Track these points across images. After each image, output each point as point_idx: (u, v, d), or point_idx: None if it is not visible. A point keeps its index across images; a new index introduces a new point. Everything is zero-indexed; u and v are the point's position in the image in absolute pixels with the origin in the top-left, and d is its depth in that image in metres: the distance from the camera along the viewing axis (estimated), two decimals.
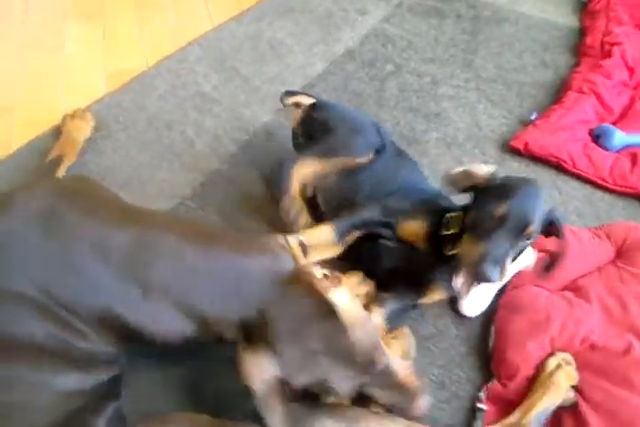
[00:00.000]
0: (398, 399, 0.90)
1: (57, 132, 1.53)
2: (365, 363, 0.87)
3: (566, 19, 2.36)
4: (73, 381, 0.84)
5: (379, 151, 1.37)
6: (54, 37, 1.95)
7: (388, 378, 0.89)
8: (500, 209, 1.06)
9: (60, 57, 1.87)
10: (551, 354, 1.14)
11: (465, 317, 1.26)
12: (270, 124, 1.67)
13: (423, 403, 0.91)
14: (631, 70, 1.93)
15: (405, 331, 1.14)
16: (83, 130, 1.48)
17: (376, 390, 0.89)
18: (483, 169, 1.15)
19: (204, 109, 1.72)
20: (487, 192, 1.12)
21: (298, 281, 0.90)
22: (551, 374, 1.10)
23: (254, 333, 0.88)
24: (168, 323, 0.88)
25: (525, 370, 1.13)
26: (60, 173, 1.31)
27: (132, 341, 0.90)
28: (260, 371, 0.85)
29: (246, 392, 0.87)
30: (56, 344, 0.81)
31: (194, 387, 1.09)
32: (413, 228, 1.20)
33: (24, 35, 1.94)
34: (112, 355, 0.90)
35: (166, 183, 1.47)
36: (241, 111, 1.72)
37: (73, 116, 1.53)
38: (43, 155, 1.44)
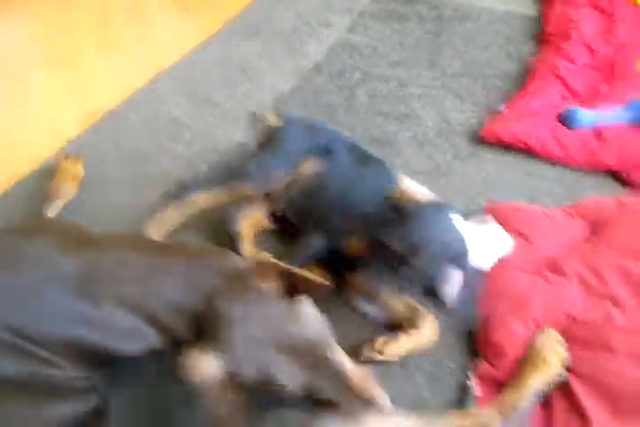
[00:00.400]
0: (352, 405, 0.86)
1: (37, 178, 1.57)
2: (312, 359, 0.86)
3: (527, 9, 2.40)
4: (60, 410, 0.86)
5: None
6: (21, 87, 1.97)
7: (339, 381, 0.86)
8: (394, 244, 1.09)
9: (29, 106, 1.89)
10: (538, 332, 1.16)
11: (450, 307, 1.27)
12: (242, 143, 1.70)
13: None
14: (592, 51, 1.96)
15: None
16: (78, 170, 1.54)
17: (327, 392, 0.85)
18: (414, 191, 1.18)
19: (176, 137, 1.75)
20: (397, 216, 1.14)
21: (246, 276, 0.94)
22: (540, 352, 1.11)
23: (204, 328, 0.90)
24: (129, 333, 0.90)
25: (511, 349, 1.14)
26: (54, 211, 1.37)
27: (103, 362, 0.93)
28: (206, 365, 0.85)
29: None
30: (31, 378, 0.84)
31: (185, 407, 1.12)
32: (356, 245, 1.22)
33: None
34: (92, 382, 0.93)
35: (147, 215, 1.50)
36: (214, 135, 1.76)
37: (67, 157, 1.58)
38: (21, 204, 1.50)
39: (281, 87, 1.99)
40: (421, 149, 1.70)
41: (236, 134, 1.74)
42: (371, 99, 1.92)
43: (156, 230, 1.36)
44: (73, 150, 1.68)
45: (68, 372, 0.88)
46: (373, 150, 1.65)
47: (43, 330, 0.86)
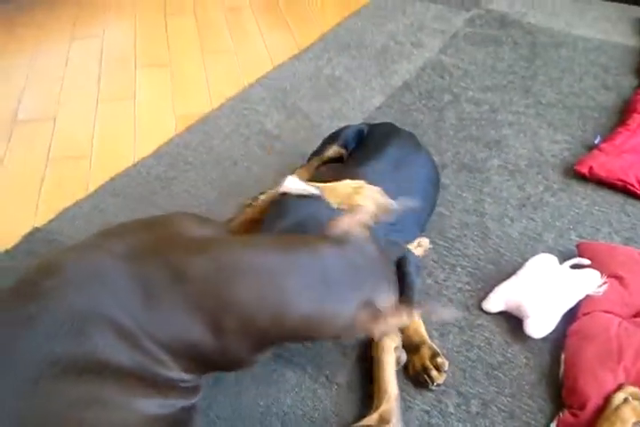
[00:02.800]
0: None
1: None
2: None
3: (627, 39, 2.32)
4: (155, 405, 0.86)
5: None
6: (126, 86, 2.09)
7: None
8: None
9: (132, 104, 2.00)
10: (620, 387, 1.10)
11: (534, 345, 1.24)
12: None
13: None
14: None
15: None
16: None
17: None
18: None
19: (266, 147, 1.79)
20: None
21: None
22: (617, 408, 1.06)
23: None
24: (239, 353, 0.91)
25: (597, 400, 1.09)
26: None
27: (207, 369, 0.94)
28: None
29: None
30: (140, 370, 0.84)
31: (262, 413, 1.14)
32: None
33: (98, 86, 2.09)
34: (191, 382, 0.93)
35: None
36: (303, 147, 1.78)
37: None
38: (116, 196, 1.55)
39: (369, 104, 1.99)
40: (512, 178, 1.66)
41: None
42: (460, 122, 1.90)
43: None
44: (168, 151, 1.75)
45: (174, 373, 0.88)
46: (462, 176, 1.66)
47: (159, 329, 0.85)
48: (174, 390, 0.90)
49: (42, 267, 0.90)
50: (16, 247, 1.44)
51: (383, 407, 1.07)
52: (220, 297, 0.87)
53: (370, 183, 1.22)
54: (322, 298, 0.89)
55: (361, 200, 1.15)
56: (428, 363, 1.16)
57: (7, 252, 1.43)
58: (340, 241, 0.94)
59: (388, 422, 1.04)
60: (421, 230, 1.44)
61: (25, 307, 0.83)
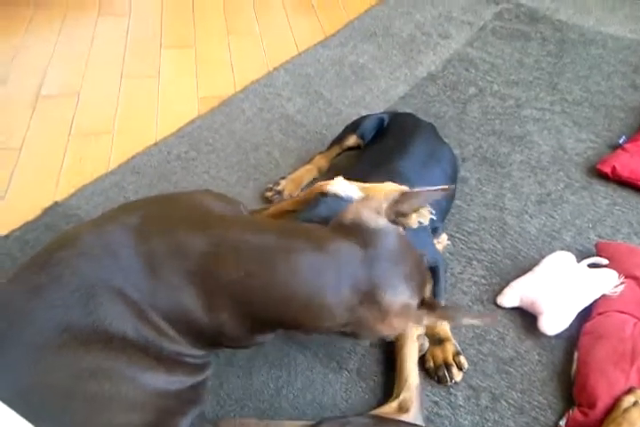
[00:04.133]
0: None
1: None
2: None
3: None
4: (162, 381, 0.87)
5: None
6: (150, 65, 2.09)
7: None
8: None
9: (155, 83, 1.99)
10: (631, 390, 1.09)
11: (547, 342, 1.23)
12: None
13: None
14: None
15: None
16: None
17: None
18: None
19: (288, 132, 1.78)
20: None
21: None
22: (625, 411, 1.05)
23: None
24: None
25: (607, 400, 1.08)
26: None
27: (212, 344, 0.94)
28: None
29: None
30: (145, 343, 0.84)
31: (272, 395, 1.14)
32: None
33: (123, 64, 2.08)
34: (200, 358, 0.94)
35: (253, 202, 1.54)
36: (324, 133, 1.77)
37: None
38: (136, 173, 1.57)
39: (393, 93, 1.98)
40: (533, 174, 1.65)
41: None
42: (484, 116, 1.88)
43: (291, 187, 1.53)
44: (190, 131, 1.76)
45: (182, 348, 0.89)
46: (483, 170, 1.65)
47: (168, 303, 0.86)
48: (181, 366, 0.90)
49: (57, 239, 0.92)
50: (36, 221, 1.45)
51: (403, 396, 1.07)
52: (214, 274, 0.86)
53: (405, 182, 1.19)
54: (314, 284, 0.85)
55: None
56: (451, 359, 1.16)
57: (27, 224, 1.44)
58: (346, 231, 0.90)
59: (406, 410, 1.04)
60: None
61: (35, 276, 0.84)
